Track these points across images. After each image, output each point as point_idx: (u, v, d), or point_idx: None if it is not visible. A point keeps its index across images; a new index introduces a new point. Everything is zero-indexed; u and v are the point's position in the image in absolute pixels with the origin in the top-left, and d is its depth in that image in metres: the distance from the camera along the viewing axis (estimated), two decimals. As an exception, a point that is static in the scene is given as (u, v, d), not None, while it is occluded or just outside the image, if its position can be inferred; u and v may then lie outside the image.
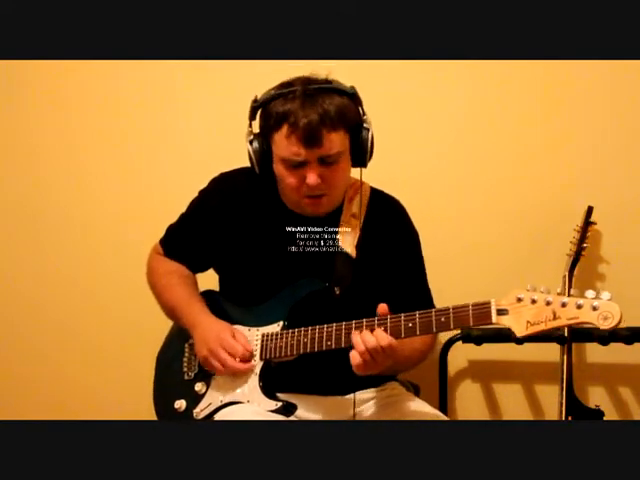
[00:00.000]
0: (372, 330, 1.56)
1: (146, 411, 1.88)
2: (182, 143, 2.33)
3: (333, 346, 1.63)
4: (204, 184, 1.89)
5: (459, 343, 2.20)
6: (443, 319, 1.52)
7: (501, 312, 1.47)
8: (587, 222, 2.14)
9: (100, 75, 2.32)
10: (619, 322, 1.38)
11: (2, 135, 2.40)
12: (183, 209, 1.91)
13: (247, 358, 1.70)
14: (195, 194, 1.89)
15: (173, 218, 1.92)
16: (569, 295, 1.42)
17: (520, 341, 2.12)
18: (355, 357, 1.56)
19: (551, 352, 2.15)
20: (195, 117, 2.33)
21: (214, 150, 2.28)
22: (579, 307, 1.40)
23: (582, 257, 2.13)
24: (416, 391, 1.99)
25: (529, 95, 2.24)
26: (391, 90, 2.26)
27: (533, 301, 1.44)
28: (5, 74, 2.33)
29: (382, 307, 1.59)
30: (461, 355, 2.29)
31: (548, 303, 1.43)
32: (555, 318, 1.42)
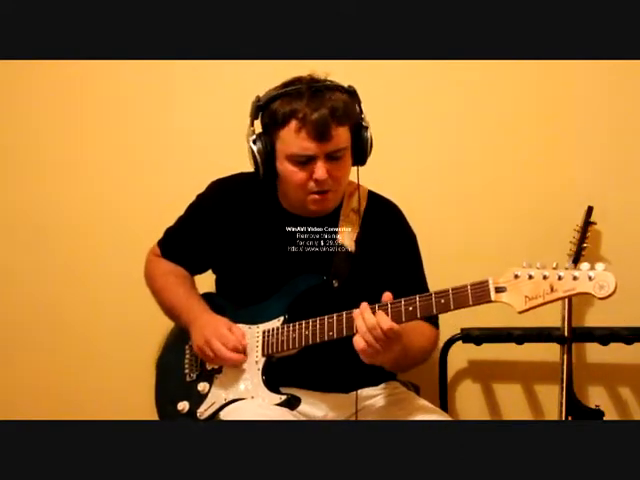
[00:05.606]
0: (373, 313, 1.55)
1: (148, 411, 1.88)
2: (182, 143, 2.33)
3: (335, 336, 1.63)
4: (204, 185, 1.89)
5: (459, 343, 2.20)
6: (443, 301, 1.53)
7: (499, 290, 1.48)
8: (587, 222, 2.14)
9: (100, 75, 2.32)
10: (614, 291, 1.40)
11: (2, 135, 2.40)
12: (184, 209, 1.91)
13: (239, 350, 1.71)
14: (195, 195, 1.89)
15: (175, 218, 1.92)
16: (565, 268, 1.44)
17: (520, 341, 2.15)
18: (359, 341, 1.55)
19: (551, 352, 2.15)
20: (195, 118, 2.32)
21: (214, 151, 2.28)
22: (575, 279, 1.42)
23: (582, 257, 2.13)
24: (416, 392, 1.98)
25: (529, 95, 2.24)
26: (391, 90, 2.26)
27: (530, 277, 1.45)
28: (5, 74, 2.33)
29: (387, 295, 1.59)
30: (461, 355, 2.29)
31: (545, 277, 1.44)
32: (553, 291, 1.43)
